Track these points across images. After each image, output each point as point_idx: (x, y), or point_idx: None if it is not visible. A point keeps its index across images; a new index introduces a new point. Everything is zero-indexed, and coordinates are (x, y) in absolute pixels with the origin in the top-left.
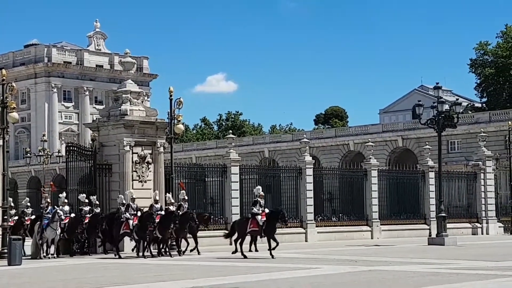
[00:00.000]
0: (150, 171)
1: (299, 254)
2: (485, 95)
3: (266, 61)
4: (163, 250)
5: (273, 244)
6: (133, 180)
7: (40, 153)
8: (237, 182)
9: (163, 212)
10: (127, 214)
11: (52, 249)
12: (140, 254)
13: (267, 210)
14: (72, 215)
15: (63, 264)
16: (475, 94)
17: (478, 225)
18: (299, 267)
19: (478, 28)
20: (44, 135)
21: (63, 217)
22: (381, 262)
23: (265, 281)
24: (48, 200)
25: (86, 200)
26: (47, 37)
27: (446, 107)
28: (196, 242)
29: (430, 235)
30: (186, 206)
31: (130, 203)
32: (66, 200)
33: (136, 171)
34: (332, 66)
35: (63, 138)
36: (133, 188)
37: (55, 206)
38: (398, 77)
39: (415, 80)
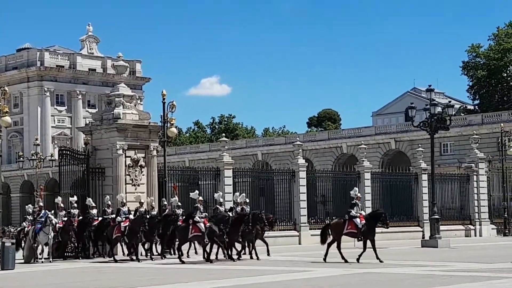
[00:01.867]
0: (143, 175)
1: (293, 257)
2: (477, 97)
3: (259, 64)
4: (229, 253)
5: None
6: (126, 183)
7: (33, 157)
8: (231, 185)
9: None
10: (196, 217)
11: (46, 253)
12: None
13: (363, 213)
14: (131, 216)
15: (57, 268)
16: (468, 97)
17: (471, 227)
18: (293, 270)
19: (470, 31)
20: (37, 139)
21: (54, 221)
22: (375, 265)
23: (260, 284)
24: (41, 204)
25: (143, 201)
26: (40, 41)
27: (439, 109)
28: (266, 244)
29: (423, 237)
30: (248, 208)
31: (198, 205)
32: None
33: (129, 175)
34: (325, 69)
35: (56, 142)
36: (126, 192)
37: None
38: (391, 80)
39: (407, 82)
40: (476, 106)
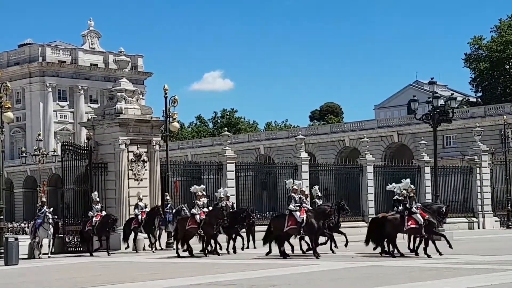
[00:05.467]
0: (145, 170)
1: (296, 250)
2: (480, 89)
3: (262, 59)
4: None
5: None
6: (129, 178)
7: (36, 152)
8: (233, 179)
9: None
10: (413, 208)
11: (47, 249)
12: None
13: None
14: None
15: (60, 263)
16: (470, 89)
17: (474, 219)
18: (296, 264)
19: (472, 23)
20: (39, 135)
21: (50, 219)
22: (378, 258)
23: (262, 278)
24: (44, 199)
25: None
26: (41, 37)
27: (441, 102)
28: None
29: None
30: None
31: (413, 195)
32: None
33: (132, 170)
34: (327, 62)
35: (58, 137)
36: (129, 186)
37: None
38: (393, 73)
39: (410, 75)
40: (479, 99)
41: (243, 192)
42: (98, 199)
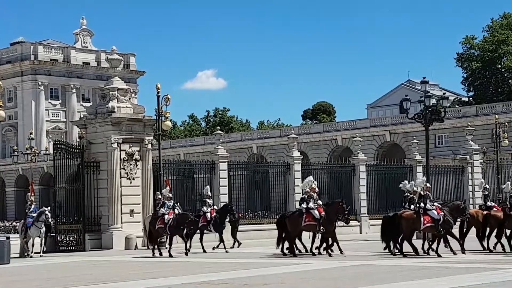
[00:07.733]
0: (138, 168)
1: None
2: (472, 89)
3: (254, 58)
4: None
5: None
6: (121, 177)
7: (28, 151)
8: (226, 178)
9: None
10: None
11: (39, 248)
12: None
13: None
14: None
15: (52, 262)
16: (462, 88)
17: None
18: (288, 263)
19: (464, 22)
20: (31, 133)
21: (50, 219)
22: (370, 257)
23: (255, 277)
24: (32, 199)
25: None
26: (33, 35)
27: (433, 101)
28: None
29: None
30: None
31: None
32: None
33: (124, 169)
34: (320, 61)
35: (50, 136)
36: (121, 185)
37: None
38: (385, 72)
39: (402, 74)
40: (471, 98)
41: (235, 191)
42: (170, 195)
